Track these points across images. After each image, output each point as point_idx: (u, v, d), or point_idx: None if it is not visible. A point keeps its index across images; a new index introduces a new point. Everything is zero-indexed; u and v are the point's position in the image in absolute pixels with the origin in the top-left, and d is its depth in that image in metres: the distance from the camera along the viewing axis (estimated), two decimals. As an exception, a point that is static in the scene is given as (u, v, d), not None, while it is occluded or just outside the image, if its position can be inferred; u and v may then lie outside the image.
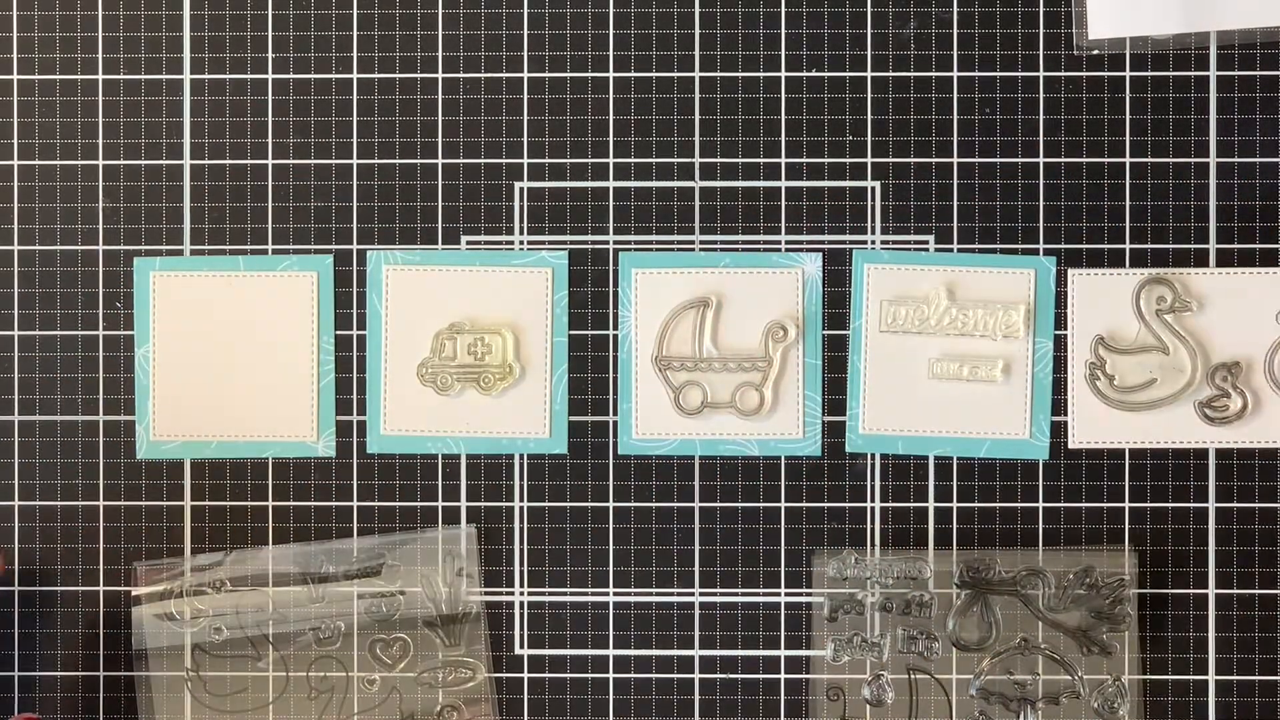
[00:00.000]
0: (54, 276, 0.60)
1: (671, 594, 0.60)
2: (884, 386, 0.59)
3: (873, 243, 0.59)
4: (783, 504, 0.59)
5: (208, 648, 0.59)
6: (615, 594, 0.60)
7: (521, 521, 0.60)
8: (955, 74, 0.59)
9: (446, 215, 0.60)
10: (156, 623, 0.59)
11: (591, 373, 0.60)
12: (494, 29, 0.60)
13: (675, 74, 0.60)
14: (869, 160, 0.59)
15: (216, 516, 0.60)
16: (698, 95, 0.60)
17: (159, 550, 0.60)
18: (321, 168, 0.60)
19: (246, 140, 0.60)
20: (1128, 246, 0.59)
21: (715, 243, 0.60)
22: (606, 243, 0.60)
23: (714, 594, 0.60)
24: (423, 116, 0.60)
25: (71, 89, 0.60)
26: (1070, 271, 0.59)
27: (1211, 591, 0.59)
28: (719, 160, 0.60)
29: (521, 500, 0.60)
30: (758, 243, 0.60)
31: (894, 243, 0.59)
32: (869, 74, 0.59)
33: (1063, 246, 0.59)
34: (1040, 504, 0.59)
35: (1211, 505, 0.59)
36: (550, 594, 0.60)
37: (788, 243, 0.60)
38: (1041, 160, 0.59)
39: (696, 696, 0.60)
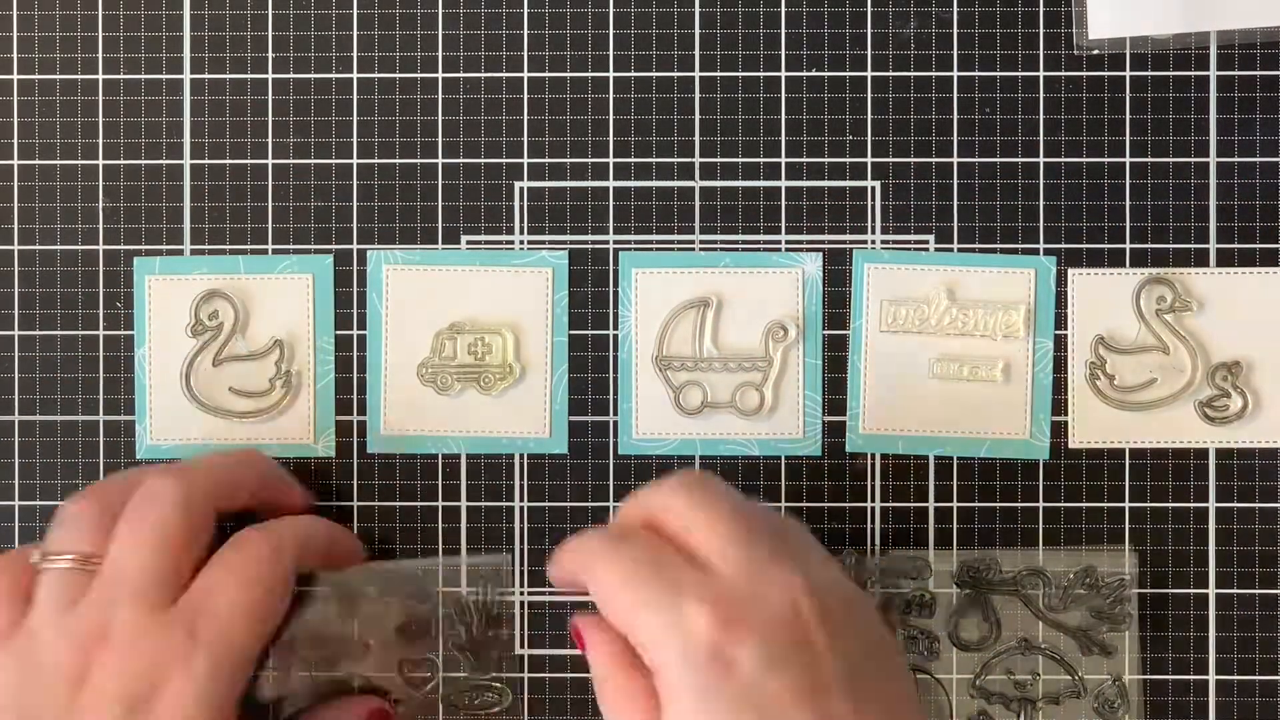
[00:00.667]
0: (54, 276, 0.60)
1: (671, 594, 0.60)
2: (884, 386, 0.59)
3: (873, 243, 0.59)
4: (783, 504, 0.59)
5: None
6: (615, 594, 0.60)
7: (521, 521, 0.60)
8: (955, 74, 0.59)
9: (446, 215, 0.60)
10: None
11: (592, 373, 0.60)
12: (494, 29, 0.60)
13: (675, 74, 0.60)
14: (869, 160, 0.59)
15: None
16: (698, 95, 0.60)
17: (159, 550, 0.60)
18: (321, 168, 0.60)
19: (246, 140, 0.60)
20: (1128, 246, 0.59)
21: (715, 243, 0.60)
22: (606, 243, 0.60)
23: (714, 594, 0.60)
24: (423, 116, 0.60)
25: (71, 89, 0.60)
26: (1070, 271, 0.59)
27: (1211, 591, 0.59)
28: (719, 160, 0.60)
29: (521, 500, 0.60)
30: (758, 243, 0.60)
31: (894, 243, 0.59)
32: (869, 74, 0.59)
33: (1063, 246, 0.59)
34: (1040, 504, 0.59)
35: (1212, 505, 0.59)
36: (550, 594, 0.60)
37: (788, 243, 0.60)
38: (1041, 160, 0.59)
39: (696, 696, 0.59)
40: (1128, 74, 0.59)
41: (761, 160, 0.60)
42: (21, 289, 0.60)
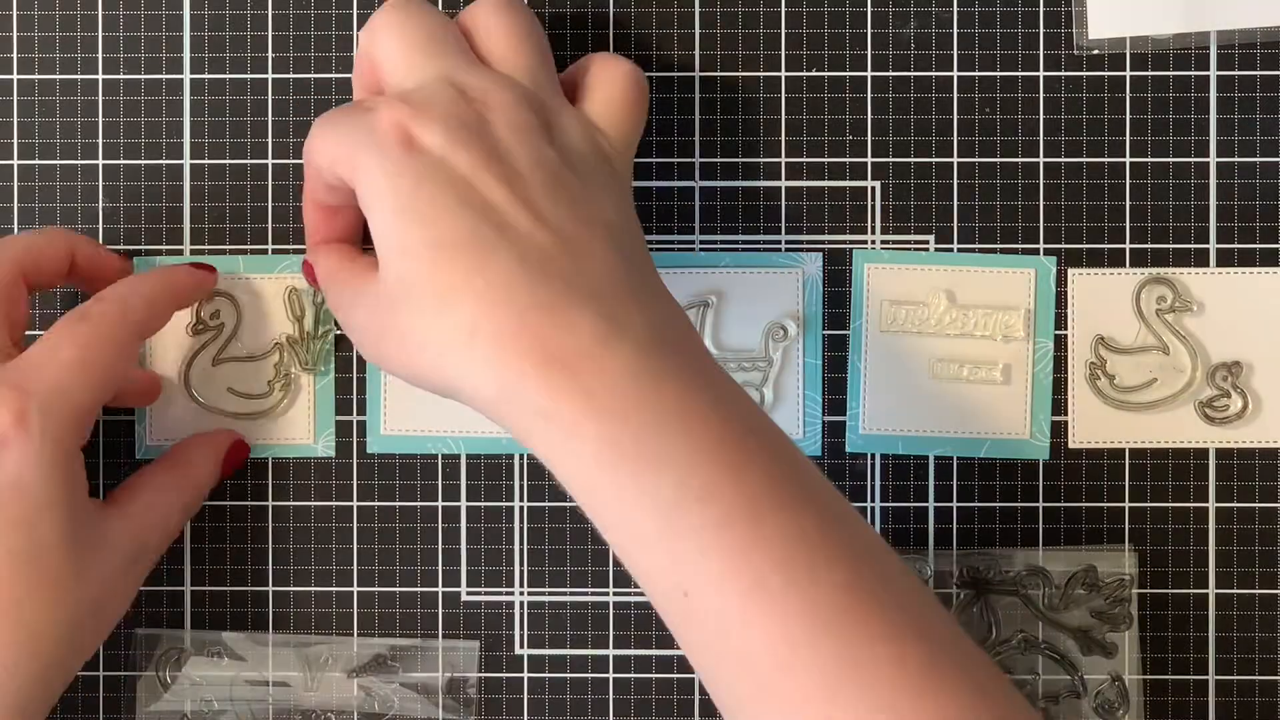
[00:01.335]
0: (54, 276, 0.60)
1: (671, 594, 0.60)
2: (884, 387, 0.59)
3: (873, 243, 0.59)
4: (783, 504, 0.59)
5: None
6: (615, 594, 0.60)
7: (521, 521, 0.60)
8: (955, 74, 0.59)
9: (446, 215, 0.60)
10: (151, 686, 0.59)
11: (591, 373, 0.60)
12: (494, 29, 0.60)
13: (676, 74, 0.60)
14: (869, 160, 0.59)
15: (216, 516, 0.60)
16: (698, 95, 0.60)
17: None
18: (321, 168, 0.60)
19: (246, 140, 0.60)
20: (1128, 246, 0.59)
21: (715, 243, 0.60)
22: (606, 243, 0.60)
23: (714, 594, 0.60)
24: (423, 116, 0.60)
25: (71, 89, 0.60)
26: (1070, 271, 0.59)
27: (1211, 591, 0.59)
28: (719, 160, 0.60)
29: (521, 500, 0.60)
30: (758, 243, 0.60)
31: (894, 243, 0.59)
32: (869, 74, 0.59)
33: (1063, 246, 0.59)
34: (1040, 504, 0.59)
35: (1212, 505, 0.59)
36: (550, 594, 0.60)
37: (788, 243, 0.60)
38: (1041, 160, 0.59)
39: (696, 696, 0.60)
40: (1128, 74, 0.59)
41: (761, 160, 0.60)
42: (21, 289, 0.60)
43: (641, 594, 0.59)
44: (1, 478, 0.50)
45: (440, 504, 0.60)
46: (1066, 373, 0.59)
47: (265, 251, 0.60)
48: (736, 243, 0.60)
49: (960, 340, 0.59)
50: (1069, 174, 0.59)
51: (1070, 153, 0.59)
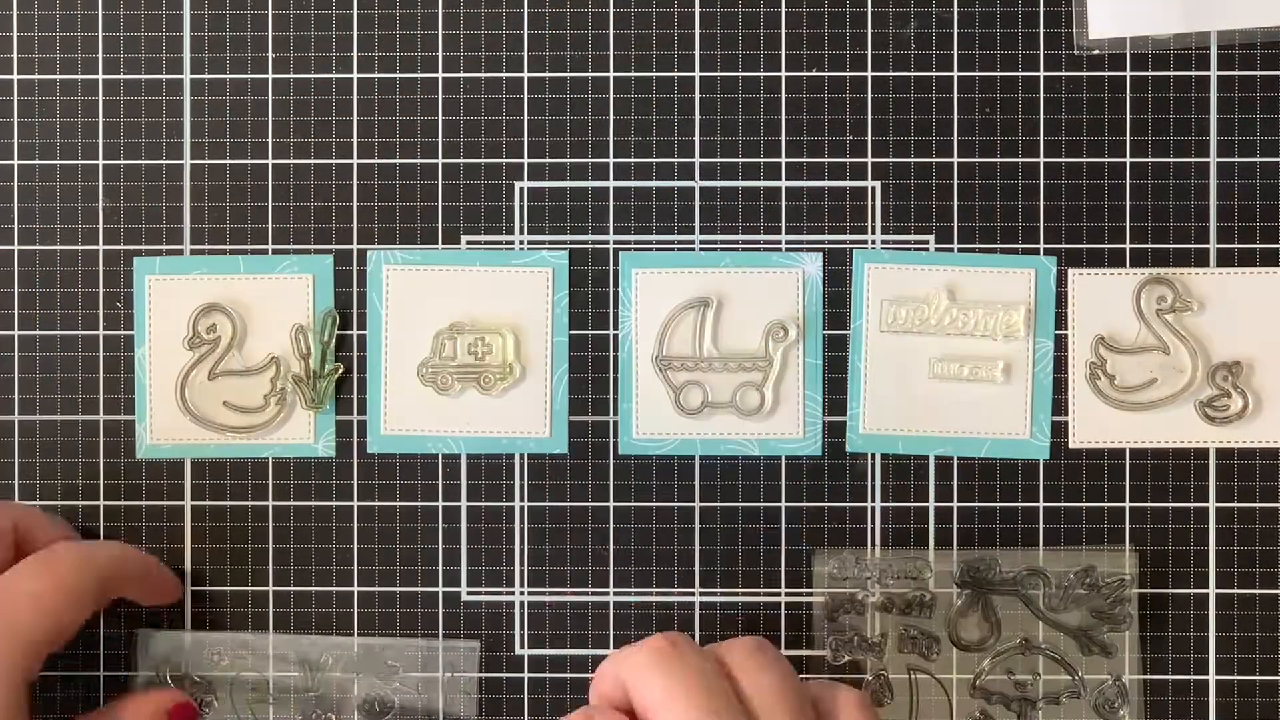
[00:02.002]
0: (54, 276, 0.60)
1: (671, 594, 0.60)
2: (884, 386, 0.59)
3: (873, 243, 0.59)
4: (783, 504, 0.59)
5: None
6: (615, 594, 0.60)
7: (521, 521, 0.60)
8: (955, 74, 0.59)
9: (446, 215, 0.60)
10: (151, 685, 0.59)
11: (592, 373, 0.60)
12: (494, 29, 0.60)
13: (675, 74, 0.60)
14: (869, 160, 0.59)
15: (216, 516, 0.60)
16: (698, 95, 0.60)
17: (159, 551, 0.60)
18: (321, 168, 0.60)
19: (246, 140, 0.60)
20: (1128, 246, 0.59)
21: (715, 243, 0.60)
22: (606, 243, 0.60)
23: (714, 594, 0.60)
24: (423, 116, 0.60)
25: (71, 89, 0.60)
26: (1070, 271, 0.59)
27: (1212, 591, 0.59)
28: (719, 160, 0.60)
29: (521, 500, 0.60)
30: (758, 243, 0.60)
31: (894, 243, 0.59)
32: (869, 74, 0.59)
33: (1063, 246, 0.59)
34: (1040, 504, 0.59)
35: (1212, 505, 0.59)
36: (550, 594, 0.60)
37: (788, 243, 0.60)
38: (1042, 160, 0.59)
39: (697, 696, 0.59)
40: (1128, 74, 0.59)
41: (761, 160, 0.60)
42: (21, 289, 0.60)
43: (641, 594, 0.59)
44: None
45: (440, 504, 0.60)
46: (1066, 372, 0.59)
47: (265, 251, 0.60)
48: (736, 243, 0.60)
49: (960, 340, 0.59)
50: (1069, 174, 0.59)
51: (1070, 153, 0.59)
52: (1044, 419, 0.59)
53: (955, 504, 0.59)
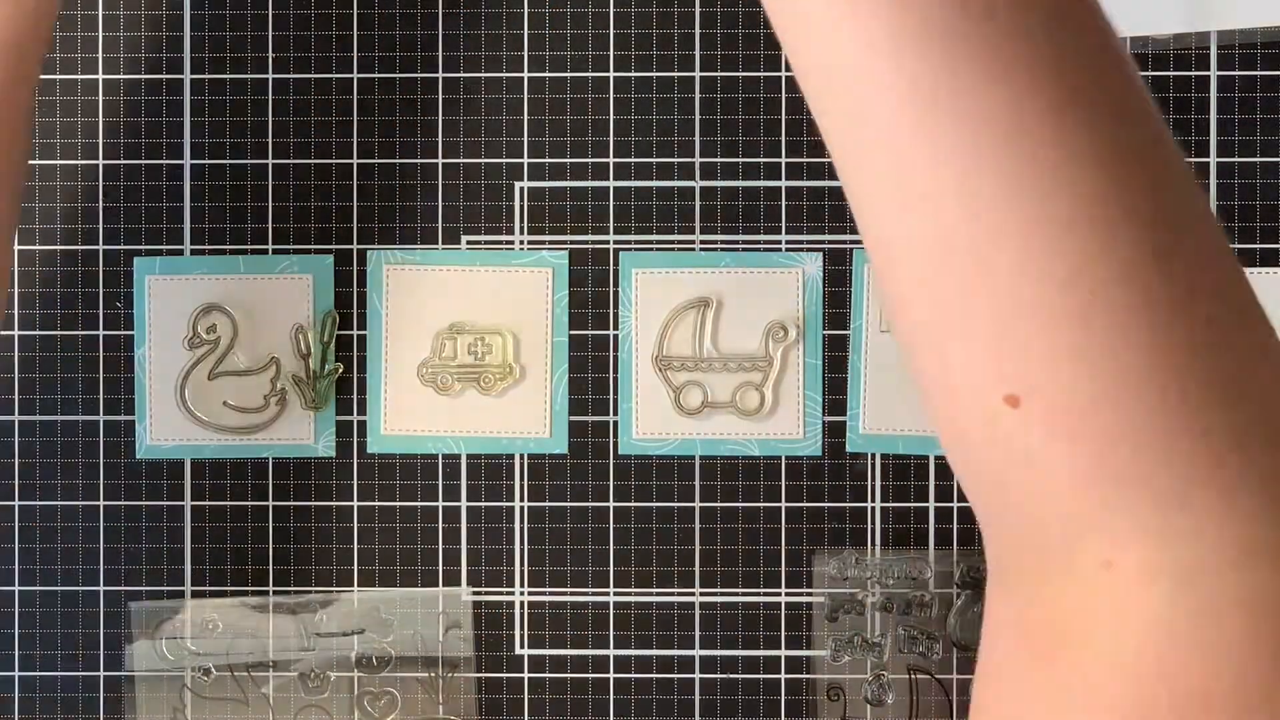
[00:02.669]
0: (54, 276, 0.60)
1: (671, 594, 0.60)
2: (884, 386, 0.59)
3: (873, 243, 0.59)
4: (783, 504, 0.59)
5: (196, 689, 0.59)
6: (615, 594, 0.60)
7: (521, 521, 0.60)
8: (955, 74, 0.59)
9: (446, 215, 0.60)
10: (148, 658, 0.59)
11: (591, 373, 0.60)
12: (494, 29, 0.60)
13: (675, 74, 0.60)
14: (869, 160, 0.59)
15: (216, 516, 0.60)
16: (698, 95, 0.60)
17: (159, 551, 0.60)
18: (321, 168, 0.60)
19: (246, 140, 0.60)
20: (1128, 246, 0.59)
21: (715, 243, 0.60)
22: (606, 243, 0.60)
23: (714, 594, 0.60)
24: (423, 116, 0.60)
25: (71, 89, 0.60)
26: (1070, 271, 0.59)
27: (1212, 591, 0.59)
28: (719, 160, 0.60)
29: (521, 500, 0.60)
30: (758, 243, 0.60)
31: (894, 243, 0.59)
32: (869, 74, 0.59)
33: (1063, 246, 0.59)
34: (1040, 504, 0.59)
35: (1212, 505, 0.59)
36: (550, 594, 0.60)
37: (788, 243, 0.60)
38: (1041, 160, 0.59)
39: (696, 696, 0.60)
40: (1128, 74, 0.59)
41: (761, 160, 0.60)
42: (21, 289, 0.60)
43: (641, 594, 0.59)
44: None
45: (440, 504, 0.60)
46: (1066, 373, 0.59)
47: (265, 251, 0.60)
48: (736, 243, 0.60)
49: (960, 340, 0.59)
50: (1069, 174, 0.59)
51: (1070, 153, 0.59)
52: (1044, 419, 0.59)
53: (955, 504, 0.59)
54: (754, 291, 0.59)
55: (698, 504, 0.60)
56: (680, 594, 0.60)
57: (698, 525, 0.60)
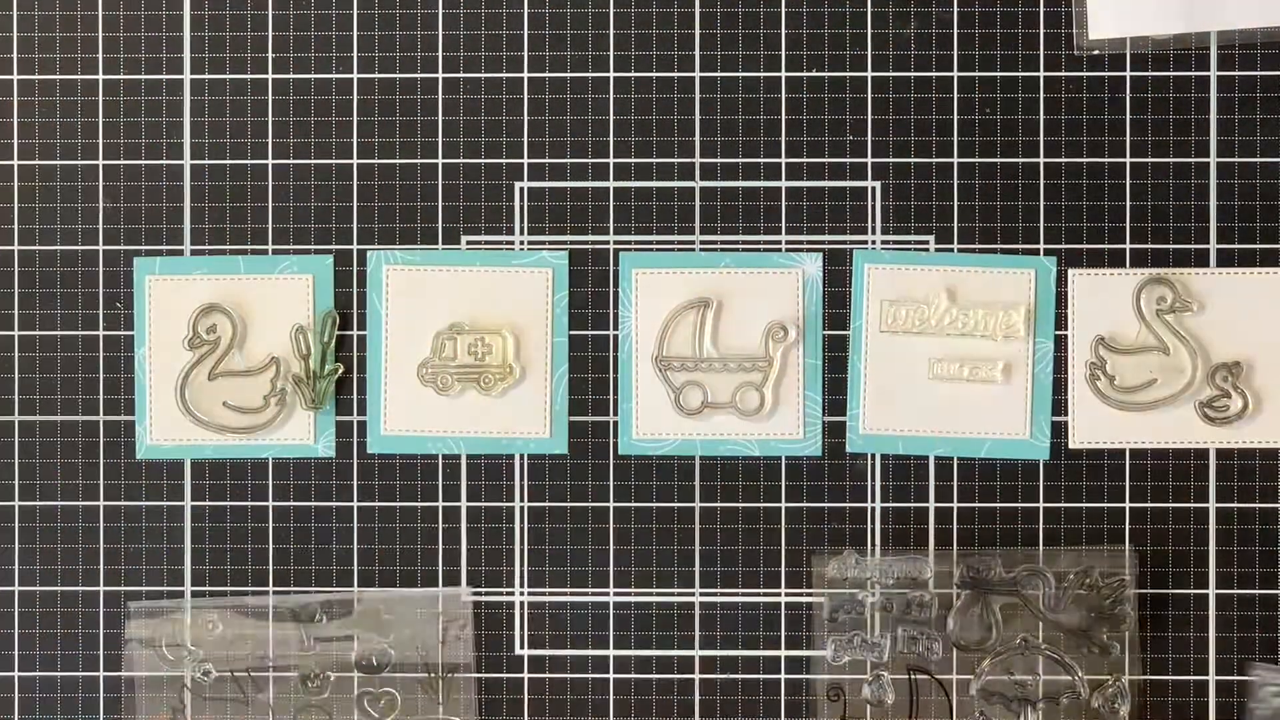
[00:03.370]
0: (54, 276, 0.60)
1: (671, 594, 0.60)
2: (884, 387, 0.59)
3: (873, 243, 0.59)
4: (783, 504, 0.59)
5: (195, 689, 0.59)
6: (615, 594, 0.60)
7: (521, 521, 0.60)
8: (955, 74, 0.59)
9: (446, 215, 0.60)
10: (148, 658, 0.59)
11: (591, 373, 0.60)
12: (494, 29, 0.60)
13: (675, 74, 0.60)
14: (869, 160, 0.59)
15: (216, 516, 0.60)
16: (698, 95, 0.60)
17: (159, 551, 0.60)
18: (321, 168, 0.60)
19: (246, 140, 0.60)
20: (1128, 246, 0.59)
21: (715, 243, 0.60)
22: (606, 243, 0.60)
23: (714, 594, 0.60)
24: (423, 116, 0.60)
25: (71, 89, 0.60)
26: (1070, 271, 0.59)
27: (1212, 591, 0.59)
28: (719, 160, 0.60)
29: (521, 500, 0.60)
30: (758, 243, 0.60)
31: (894, 243, 0.59)
32: (869, 74, 0.59)
33: (1063, 246, 0.59)
34: (1040, 504, 0.59)
35: (1212, 505, 0.59)
36: (550, 594, 0.60)
37: (788, 243, 0.60)
38: (1042, 160, 0.59)
39: (696, 696, 0.60)
40: (1128, 74, 0.59)
41: (761, 160, 0.60)
42: (21, 289, 0.60)
43: (641, 594, 0.59)
44: None
45: (440, 504, 0.60)
46: (1066, 373, 0.59)
47: (265, 252, 0.60)
48: (736, 243, 0.60)
49: (960, 340, 0.59)
50: (1069, 174, 0.59)
51: (1070, 153, 0.59)
52: (1044, 419, 0.59)
53: (955, 504, 0.59)
54: (754, 291, 0.59)
55: (697, 504, 0.60)
56: (680, 594, 0.60)
57: (697, 525, 0.60)
